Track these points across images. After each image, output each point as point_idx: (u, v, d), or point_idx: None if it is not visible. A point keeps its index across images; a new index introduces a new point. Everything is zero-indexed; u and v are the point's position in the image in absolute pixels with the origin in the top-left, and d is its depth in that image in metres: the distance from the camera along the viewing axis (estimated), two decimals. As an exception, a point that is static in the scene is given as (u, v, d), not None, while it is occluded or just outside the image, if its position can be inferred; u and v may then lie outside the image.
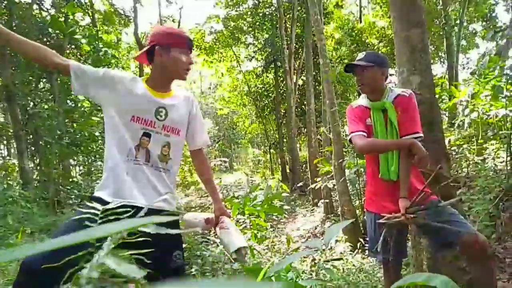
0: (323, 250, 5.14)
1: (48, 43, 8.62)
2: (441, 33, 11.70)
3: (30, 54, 1.63)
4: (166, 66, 1.77)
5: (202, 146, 2.02)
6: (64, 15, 8.67)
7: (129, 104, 1.71)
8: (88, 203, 1.41)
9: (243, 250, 1.72)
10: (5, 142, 13.43)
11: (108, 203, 1.48)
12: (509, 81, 4.40)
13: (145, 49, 1.81)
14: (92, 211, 1.33)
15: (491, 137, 5.29)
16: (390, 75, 2.55)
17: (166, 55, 1.74)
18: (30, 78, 9.13)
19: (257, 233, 4.17)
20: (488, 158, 5.13)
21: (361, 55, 2.24)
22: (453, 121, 6.82)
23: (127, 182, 1.67)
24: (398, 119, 2.15)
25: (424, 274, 0.62)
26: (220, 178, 12.04)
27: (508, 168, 3.97)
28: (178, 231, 1.15)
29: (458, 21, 11.58)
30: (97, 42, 9.00)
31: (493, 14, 12.62)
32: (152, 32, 1.83)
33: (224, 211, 1.99)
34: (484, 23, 12.93)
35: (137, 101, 1.72)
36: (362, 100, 2.31)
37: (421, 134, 2.13)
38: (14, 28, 7.97)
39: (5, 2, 8.27)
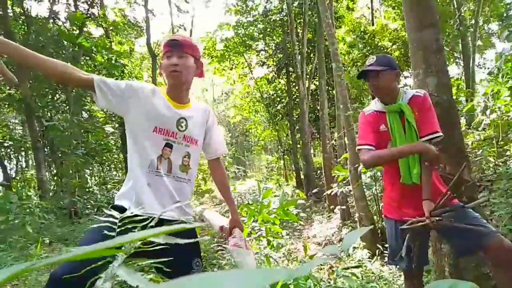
0: (341, 257, 5.04)
1: (63, 55, 8.80)
2: (456, 33, 11.52)
3: (50, 70, 1.56)
4: (164, 75, 1.80)
5: (219, 155, 2.03)
6: (78, 27, 8.85)
7: (152, 116, 1.72)
8: (106, 211, 1.40)
9: None
10: (23, 153, 13.70)
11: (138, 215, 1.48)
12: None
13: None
14: (111, 219, 1.33)
15: (512, 138, 5.14)
16: (405, 77, 2.50)
17: (161, 67, 1.78)
18: (47, 90, 9.31)
19: (273, 240, 4.12)
20: (509, 160, 4.98)
21: (371, 59, 2.19)
22: (471, 124, 6.66)
23: (147, 193, 1.68)
24: (415, 120, 2.10)
25: (448, 280, 0.57)
26: (234, 185, 12.01)
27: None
28: (195, 239, 1.13)
29: (473, 21, 11.39)
30: (106, 53, 9.15)
31: (510, 13, 12.35)
32: None
33: (239, 223, 1.99)
34: (500, 22, 12.68)
35: (160, 112, 1.73)
36: (376, 105, 2.25)
37: (441, 133, 2.09)
38: (30, 42, 8.15)
39: (23, 17, 8.49)
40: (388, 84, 2.14)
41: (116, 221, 1.25)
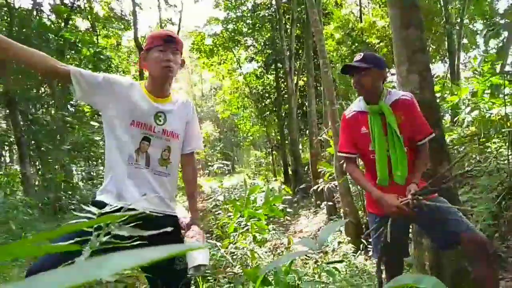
0: (326, 252, 5.11)
1: (48, 48, 8.65)
2: (442, 31, 11.67)
3: (30, 60, 1.55)
4: (149, 68, 1.78)
5: (194, 150, 2.00)
6: (63, 20, 8.70)
7: (129, 109, 1.71)
8: (84, 207, 1.40)
9: (202, 267, 1.68)
10: (7, 148, 13.45)
11: (120, 209, 1.48)
12: (508, 79, 4.37)
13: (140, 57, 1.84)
14: (89, 215, 1.32)
15: (493, 135, 5.25)
16: (392, 74, 2.52)
17: (148, 57, 1.77)
18: (31, 83, 9.15)
19: (259, 235, 4.15)
20: (490, 156, 5.09)
21: (358, 56, 2.18)
22: (455, 120, 6.78)
23: (128, 185, 1.68)
24: (400, 123, 2.10)
25: (412, 275, 0.60)
26: (222, 181, 12.01)
27: (510, 166, 3.93)
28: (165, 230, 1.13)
29: (459, 20, 11.55)
30: (92, 46, 9.02)
31: (496, 11, 12.54)
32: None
33: (197, 223, 1.92)
34: (484, 21, 12.88)
35: (136, 106, 1.72)
36: (358, 104, 2.25)
37: (434, 133, 2.17)
38: (14, 34, 7.99)
39: (5, 8, 8.31)
40: (372, 83, 2.13)
41: (94, 217, 1.25)
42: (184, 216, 1.93)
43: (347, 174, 5.51)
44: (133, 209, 1.49)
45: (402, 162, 2.10)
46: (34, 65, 1.58)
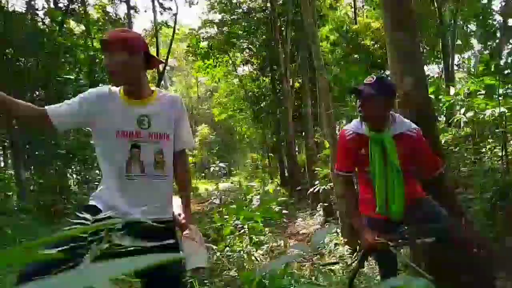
0: (322, 254, 5.11)
1: (42, 52, 8.61)
2: (436, 33, 11.73)
3: (25, 114, 1.63)
4: None
5: (185, 147, 1.96)
6: (58, 24, 8.66)
7: (109, 122, 1.69)
8: (78, 214, 1.39)
9: (200, 270, 1.67)
10: (1, 152, 13.36)
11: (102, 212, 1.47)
12: (502, 80, 4.40)
13: None
14: (84, 221, 1.32)
15: (488, 135, 5.29)
16: (387, 76, 2.51)
17: None
18: (25, 87, 9.09)
19: (255, 237, 4.15)
20: (484, 157, 5.12)
21: (370, 79, 2.05)
22: (449, 121, 6.81)
23: (119, 198, 1.67)
24: (401, 155, 2.05)
25: (403, 277, 0.60)
26: (217, 184, 11.99)
27: (504, 166, 3.95)
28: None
29: (452, 21, 11.62)
30: (85, 49, 8.99)
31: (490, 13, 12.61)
32: None
33: (190, 220, 1.89)
34: (478, 23, 12.96)
35: (118, 116, 1.70)
36: (359, 126, 2.16)
37: (442, 168, 2.24)
38: (8, 37, 7.94)
39: (-1, 12, 8.26)
40: (378, 111, 2.04)
41: (89, 223, 1.24)
42: (179, 212, 1.90)
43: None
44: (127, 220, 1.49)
45: (399, 198, 2.07)
46: (28, 117, 1.67)
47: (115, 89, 1.78)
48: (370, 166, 2.10)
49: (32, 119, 1.67)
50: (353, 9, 16.28)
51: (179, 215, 1.86)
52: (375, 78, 2.06)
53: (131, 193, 1.69)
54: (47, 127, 1.68)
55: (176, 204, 1.93)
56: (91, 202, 1.69)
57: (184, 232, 1.80)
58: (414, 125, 2.15)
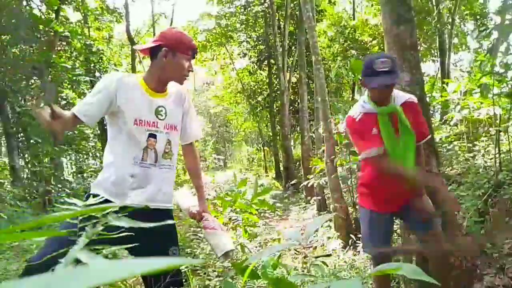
0: (315, 247, 5.16)
1: (38, 40, 8.53)
2: (433, 30, 11.75)
3: (68, 127, 1.65)
4: (167, 69, 1.78)
5: (194, 139, 2.04)
6: (54, 11, 8.57)
7: (130, 110, 1.73)
8: (68, 200, 1.39)
9: (230, 253, 1.74)
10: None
11: (106, 201, 1.48)
12: (497, 79, 4.44)
13: (151, 45, 1.80)
14: (72, 207, 1.31)
15: (482, 134, 5.34)
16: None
17: (171, 58, 1.76)
18: (20, 75, 9.02)
19: (249, 229, 4.18)
20: (478, 155, 5.17)
21: (386, 62, 1.98)
22: (444, 118, 6.87)
23: (130, 184, 1.71)
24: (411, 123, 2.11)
25: (395, 263, 0.62)
26: (213, 176, 12.00)
27: (497, 164, 4.01)
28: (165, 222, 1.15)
29: (450, 19, 11.63)
30: (82, 38, 8.91)
31: (487, 12, 12.65)
32: (162, 32, 1.82)
33: (207, 209, 2.00)
34: (475, 22, 13.00)
35: (137, 105, 1.75)
36: (364, 106, 2.17)
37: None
38: (3, 24, 7.86)
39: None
40: (392, 91, 2.11)
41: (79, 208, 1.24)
42: (192, 204, 1.97)
43: (340, 171, 5.56)
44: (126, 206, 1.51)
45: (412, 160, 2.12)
46: (69, 128, 1.76)
47: (137, 78, 1.84)
48: (383, 137, 2.09)
49: (69, 127, 1.69)
50: (351, 5, 16.26)
51: (191, 213, 1.95)
52: (389, 58, 2.04)
53: (142, 182, 1.73)
54: (80, 124, 1.74)
55: (184, 194, 2.00)
56: (94, 191, 1.70)
57: (204, 222, 1.86)
58: (409, 94, 2.25)
